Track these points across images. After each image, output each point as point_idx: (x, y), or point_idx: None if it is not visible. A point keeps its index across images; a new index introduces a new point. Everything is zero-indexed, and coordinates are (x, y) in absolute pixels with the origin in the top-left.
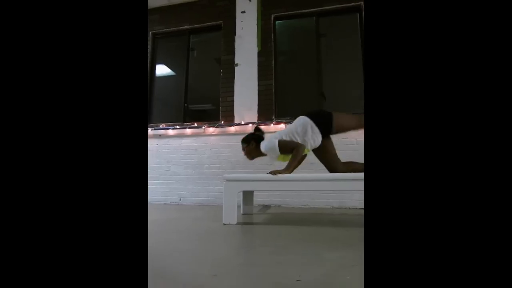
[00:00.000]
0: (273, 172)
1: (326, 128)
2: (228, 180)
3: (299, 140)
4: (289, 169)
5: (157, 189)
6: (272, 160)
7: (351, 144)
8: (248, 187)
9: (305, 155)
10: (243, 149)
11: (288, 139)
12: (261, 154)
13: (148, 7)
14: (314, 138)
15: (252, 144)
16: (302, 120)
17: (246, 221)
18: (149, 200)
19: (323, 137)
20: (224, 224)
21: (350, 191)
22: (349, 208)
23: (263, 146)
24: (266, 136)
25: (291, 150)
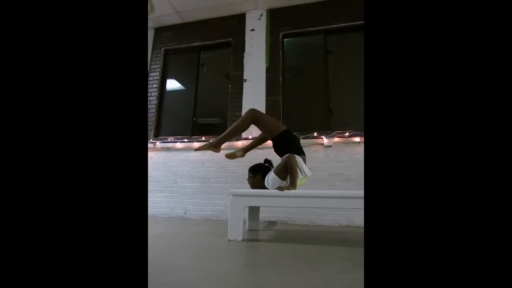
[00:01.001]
0: (280, 188)
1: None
2: (234, 195)
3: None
4: (294, 183)
5: (162, 202)
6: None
7: (358, 160)
8: (254, 202)
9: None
10: (249, 178)
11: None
12: (264, 187)
13: (162, 25)
14: (302, 163)
15: (258, 177)
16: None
17: (252, 237)
18: (154, 213)
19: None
20: (229, 240)
21: (359, 209)
22: (358, 226)
23: (267, 184)
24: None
25: (286, 169)
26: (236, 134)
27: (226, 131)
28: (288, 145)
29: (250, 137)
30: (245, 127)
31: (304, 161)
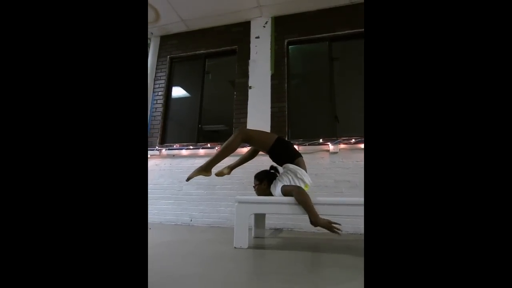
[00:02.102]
0: (331, 227)
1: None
2: (240, 202)
3: (296, 182)
4: (314, 215)
5: (168, 209)
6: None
7: None
8: (260, 209)
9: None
10: (255, 185)
11: (287, 183)
12: (270, 194)
13: (168, 33)
14: (302, 173)
15: (264, 184)
16: (289, 167)
17: (258, 245)
18: (160, 220)
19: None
20: (235, 247)
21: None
22: None
23: (273, 190)
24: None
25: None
26: (226, 155)
27: (215, 154)
28: (283, 153)
29: None
30: (235, 147)
31: (302, 163)
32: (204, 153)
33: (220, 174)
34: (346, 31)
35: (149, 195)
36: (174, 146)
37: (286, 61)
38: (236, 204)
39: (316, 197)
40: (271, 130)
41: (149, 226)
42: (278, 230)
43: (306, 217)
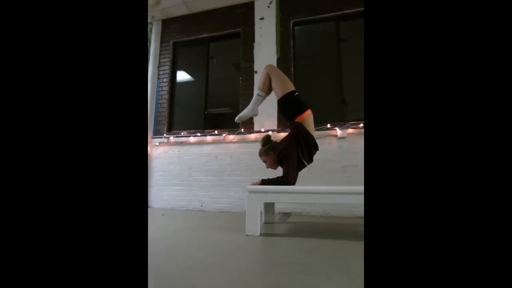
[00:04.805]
0: None
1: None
2: (251, 191)
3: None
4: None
5: (179, 195)
6: None
7: None
8: (271, 199)
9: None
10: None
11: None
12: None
13: (169, 17)
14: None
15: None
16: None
17: (269, 231)
18: (172, 206)
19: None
20: (247, 235)
21: None
22: None
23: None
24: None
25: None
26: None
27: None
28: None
29: (262, 129)
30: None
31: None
32: (212, 139)
33: None
34: (355, 9)
35: (159, 182)
36: (182, 133)
37: (292, 43)
38: (247, 194)
39: (326, 187)
40: (278, 115)
41: (162, 213)
42: (287, 215)
43: (314, 202)
